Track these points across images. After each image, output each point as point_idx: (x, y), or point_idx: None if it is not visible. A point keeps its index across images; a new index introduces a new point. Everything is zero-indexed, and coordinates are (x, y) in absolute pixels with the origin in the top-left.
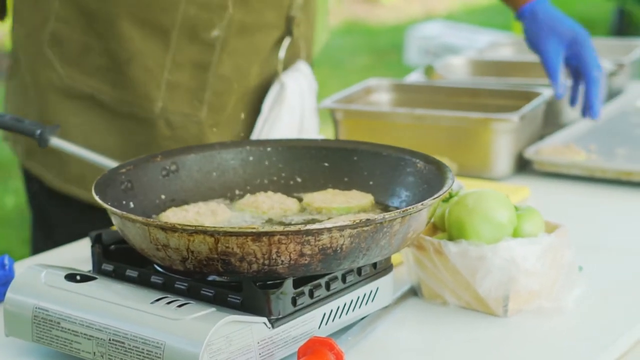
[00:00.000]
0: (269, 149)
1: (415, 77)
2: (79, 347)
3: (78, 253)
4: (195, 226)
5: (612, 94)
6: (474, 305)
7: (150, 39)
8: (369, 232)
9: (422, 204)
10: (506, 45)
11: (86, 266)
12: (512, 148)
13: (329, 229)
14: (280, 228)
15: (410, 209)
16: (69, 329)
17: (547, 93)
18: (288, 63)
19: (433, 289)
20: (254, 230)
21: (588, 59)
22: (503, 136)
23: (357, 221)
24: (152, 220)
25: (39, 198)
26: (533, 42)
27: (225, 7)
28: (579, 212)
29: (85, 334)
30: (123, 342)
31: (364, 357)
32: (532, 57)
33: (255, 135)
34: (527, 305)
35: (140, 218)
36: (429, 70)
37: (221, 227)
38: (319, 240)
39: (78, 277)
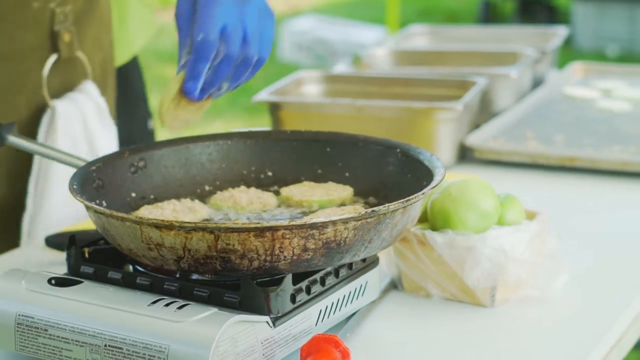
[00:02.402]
0: (236, 142)
1: (343, 68)
2: (70, 355)
3: (25, 258)
4: (195, 223)
5: (537, 82)
6: (459, 297)
7: None
8: (373, 224)
9: (422, 193)
10: (421, 35)
11: (49, 270)
12: (454, 137)
13: (334, 222)
14: (284, 222)
15: (412, 198)
16: (57, 336)
17: (482, 81)
18: (69, 84)
19: (415, 281)
20: (257, 226)
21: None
22: (446, 125)
23: (362, 213)
24: (145, 218)
25: None
26: None
27: None
28: (529, 200)
29: (77, 341)
30: (121, 348)
31: (361, 354)
32: (451, 46)
33: (34, 170)
34: (514, 294)
35: (131, 216)
36: (357, 61)
37: (222, 223)
38: (323, 234)
39: (63, 281)
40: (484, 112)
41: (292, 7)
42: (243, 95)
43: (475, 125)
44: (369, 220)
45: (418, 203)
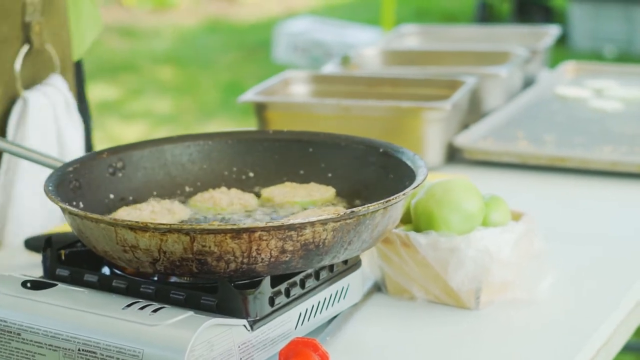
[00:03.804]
0: (218, 142)
1: (331, 68)
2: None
3: (11, 259)
4: (170, 225)
5: (528, 82)
6: (443, 299)
7: None
8: (352, 225)
9: (403, 194)
10: (412, 35)
11: (28, 272)
12: (443, 137)
13: (312, 223)
14: (261, 223)
15: (392, 199)
16: (30, 340)
17: (470, 81)
18: (38, 77)
19: (399, 284)
20: (233, 227)
21: None
22: (434, 125)
23: (341, 214)
24: (120, 219)
25: None
26: None
27: None
28: (519, 201)
29: (50, 345)
30: (94, 352)
31: (341, 357)
32: (441, 46)
33: (4, 162)
34: (499, 296)
35: (106, 218)
36: (345, 61)
37: (198, 225)
38: (301, 235)
39: (37, 284)
40: (474, 112)
41: (287, 8)
42: (237, 95)
43: (465, 126)
44: (348, 221)
45: (399, 204)
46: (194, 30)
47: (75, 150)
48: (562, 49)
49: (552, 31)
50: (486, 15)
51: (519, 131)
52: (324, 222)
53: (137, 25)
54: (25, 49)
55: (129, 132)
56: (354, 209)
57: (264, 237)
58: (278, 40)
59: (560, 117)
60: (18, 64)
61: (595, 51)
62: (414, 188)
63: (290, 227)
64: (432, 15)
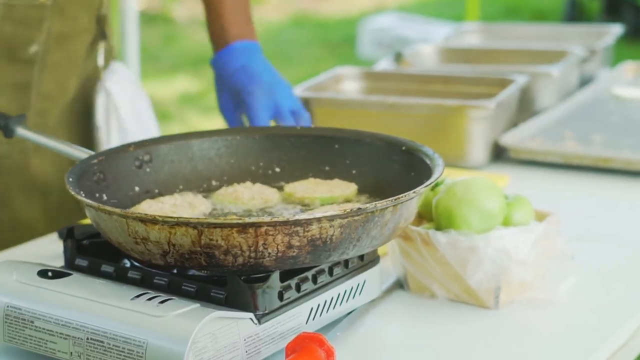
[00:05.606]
0: (245, 137)
1: (384, 65)
2: (55, 347)
3: (43, 249)
4: (177, 218)
5: (584, 81)
6: (463, 298)
7: None
8: (360, 222)
9: (414, 192)
10: (473, 32)
11: (55, 263)
12: (488, 136)
13: (319, 219)
14: (267, 219)
15: (402, 197)
16: (43, 328)
17: (520, 80)
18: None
19: (420, 281)
20: (239, 222)
21: (251, 113)
22: (479, 124)
23: (348, 210)
24: (130, 212)
25: None
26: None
27: (42, 19)
28: (559, 201)
29: (61, 333)
30: (102, 341)
31: (353, 353)
32: (499, 44)
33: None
34: (518, 296)
35: (117, 210)
36: (398, 58)
37: (205, 219)
38: (307, 231)
39: (52, 273)
40: (525, 111)
41: (376, 3)
42: None
43: (514, 124)
44: (355, 218)
45: (411, 201)
46: (280, 25)
47: (151, 125)
48: None
49: (614, 30)
50: (576, 14)
51: (568, 131)
52: (330, 219)
53: None
54: (103, 44)
55: (208, 126)
56: (361, 206)
57: (270, 232)
58: (362, 36)
59: (615, 118)
60: (101, 60)
61: None
62: (426, 186)
63: (296, 222)
64: (521, 13)
